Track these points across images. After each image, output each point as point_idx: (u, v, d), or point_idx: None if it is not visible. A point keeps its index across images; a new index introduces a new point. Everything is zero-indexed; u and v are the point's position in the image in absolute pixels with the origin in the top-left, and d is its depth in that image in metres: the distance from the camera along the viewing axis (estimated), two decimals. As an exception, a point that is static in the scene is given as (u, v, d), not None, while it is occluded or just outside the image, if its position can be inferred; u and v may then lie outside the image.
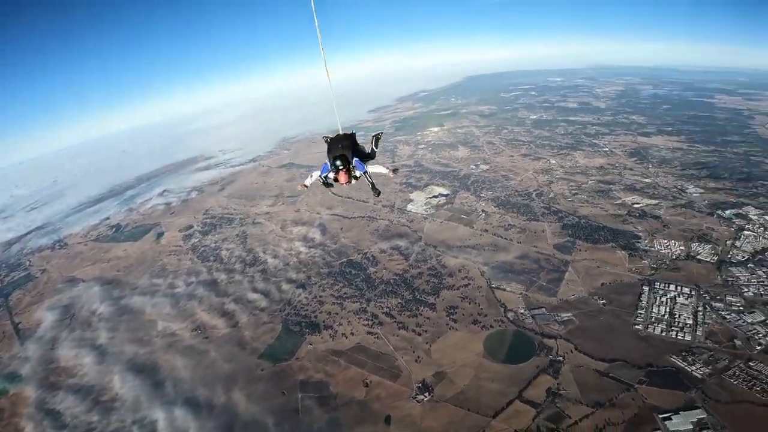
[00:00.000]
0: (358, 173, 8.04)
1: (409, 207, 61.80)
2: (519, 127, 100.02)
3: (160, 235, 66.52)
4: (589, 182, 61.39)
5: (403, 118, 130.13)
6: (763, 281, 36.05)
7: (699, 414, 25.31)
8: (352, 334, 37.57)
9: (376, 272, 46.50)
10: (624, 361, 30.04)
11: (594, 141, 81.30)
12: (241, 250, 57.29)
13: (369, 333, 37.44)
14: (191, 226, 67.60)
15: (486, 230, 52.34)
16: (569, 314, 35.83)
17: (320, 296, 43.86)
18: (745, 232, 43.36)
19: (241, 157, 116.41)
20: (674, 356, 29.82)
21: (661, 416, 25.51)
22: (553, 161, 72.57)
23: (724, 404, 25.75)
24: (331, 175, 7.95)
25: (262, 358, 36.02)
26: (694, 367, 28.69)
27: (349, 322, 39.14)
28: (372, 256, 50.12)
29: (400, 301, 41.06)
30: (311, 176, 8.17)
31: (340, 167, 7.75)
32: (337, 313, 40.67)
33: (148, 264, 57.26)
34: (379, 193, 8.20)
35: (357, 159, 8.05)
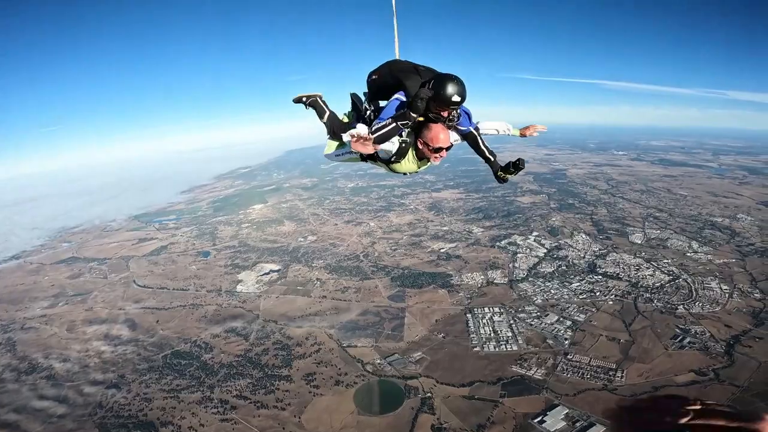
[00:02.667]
0: (455, 137, 4.87)
1: (239, 288, 57.77)
2: (339, 196, 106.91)
3: None
4: (404, 237, 69.48)
5: (222, 197, 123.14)
6: (543, 289, 47.07)
7: (562, 410, 30.03)
8: (202, 425, 32.37)
9: (212, 358, 41.82)
10: (480, 381, 34.10)
11: (402, 201, 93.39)
12: (10, 358, 43.75)
13: (224, 420, 32.89)
14: None
15: (324, 296, 53.05)
16: (419, 353, 39.08)
17: (144, 393, 36.97)
18: (518, 255, 56.23)
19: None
20: (514, 366, 35.46)
21: (536, 421, 29.36)
22: (372, 224, 79.54)
23: (573, 396, 31.28)
24: (403, 136, 4.55)
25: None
26: (532, 371, 34.59)
27: (193, 413, 33.70)
28: (204, 342, 44.66)
29: (250, 381, 37.65)
30: (348, 133, 4.40)
31: (452, 107, 4.28)
32: (174, 407, 34.54)
33: None
34: (514, 172, 4.92)
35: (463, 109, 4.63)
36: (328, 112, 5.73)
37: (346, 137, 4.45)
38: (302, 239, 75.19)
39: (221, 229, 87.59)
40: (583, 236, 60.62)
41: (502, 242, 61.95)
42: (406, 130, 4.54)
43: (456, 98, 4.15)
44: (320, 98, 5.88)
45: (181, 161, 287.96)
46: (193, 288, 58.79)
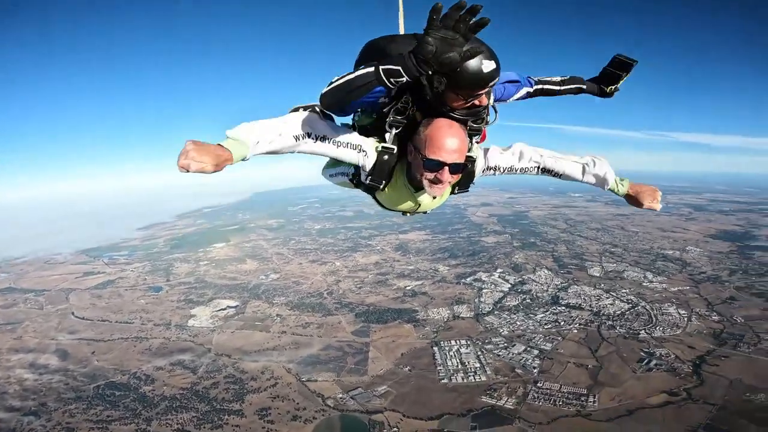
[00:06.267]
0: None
1: (191, 323, 54.06)
2: (306, 237, 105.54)
3: None
4: (369, 276, 68.38)
5: (182, 235, 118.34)
6: (508, 322, 46.89)
7: (538, 441, 28.53)
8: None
9: (153, 390, 38.32)
10: (449, 414, 32.38)
11: (368, 242, 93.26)
12: None
13: (162, 455, 28.62)
14: None
15: (284, 332, 50.39)
16: (384, 387, 37.18)
17: (68, 423, 33.78)
18: (484, 290, 56.49)
19: None
20: (483, 396, 34.05)
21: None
22: (338, 263, 78.18)
23: (547, 424, 30.01)
24: (388, 138, 2.60)
25: None
26: (503, 401, 33.29)
27: (124, 445, 29.59)
28: (145, 375, 41.07)
29: (195, 414, 34.51)
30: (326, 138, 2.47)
31: (482, 88, 2.20)
32: (101, 438, 30.46)
33: None
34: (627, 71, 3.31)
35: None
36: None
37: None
38: (264, 277, 72.51)
39: (177, 265, 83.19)
40: (545, 271, 62.01)
41: (468, 279, 61.95)
42: (393, 127, 2.52)
43: (488, 66, 2.13)
44: (318, 108, 4.54)
45: (140, 198, 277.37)
46: (139, 321, 54.66)
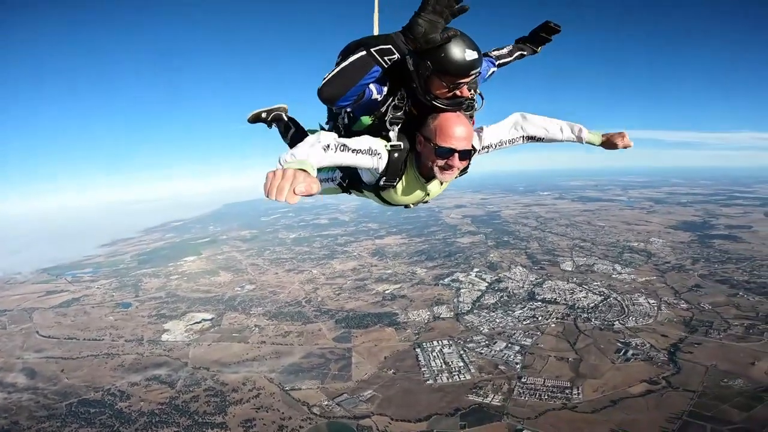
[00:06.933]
0: (490, 138, 3.15)
1: (165, 337, 52.07)
2: (281, 246, 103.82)
3: None
4: (348, 282, 67.98)
5: (150, 250, 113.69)
6: (488, 320, 47.54)
7: (529, 435, 28.81)
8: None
9: (130, 406, 36.99)
10: (437, 414, 32.31)
11: (345, 249, 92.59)
12: None
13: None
14: None
15: (263, 342, 49.21)
16: (370, 391, 36.82)
17: None
18: (462, 290, 57.16)
19: None
20: (470, 395, 34.16)
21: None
22: (315, 271, 77.27)
23: (535, 419, 30.26)
24: (393, 136, 2.64)
25: None
26: (489, 398, 33.51)
27: (104, 464, 28.10)
28: (119, 391, 39.58)
29: (176, 429, 33.61)
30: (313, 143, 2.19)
31: (466, 76, 2.37)
32: (78, 457, 28.74)
33: None
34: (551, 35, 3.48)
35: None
36: (293, 129, 4.14)
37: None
38: (239, 288, 70.42)
39: (146, 281, 79.65)
40: (520, 268, 63.40)
41: (446, 280, 62.56)
42: (395, 123, 2.63)
43: (471, 55, 2.28)
44: (285, 113, 4.27)
45: (102, 214, 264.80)
46: (109, 338, 52.36)
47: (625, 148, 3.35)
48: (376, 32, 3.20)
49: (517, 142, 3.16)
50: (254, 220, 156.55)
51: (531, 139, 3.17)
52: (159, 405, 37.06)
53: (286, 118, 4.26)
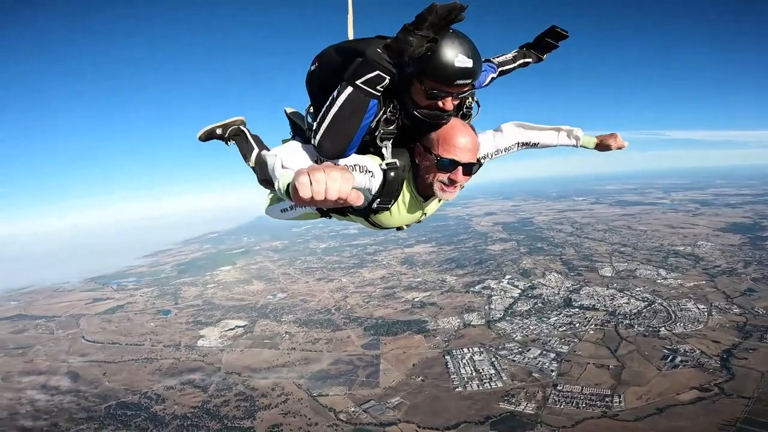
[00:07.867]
0: (493, 145, 2.95)
1: (201, 343, 53.95)
2: (311, 256, 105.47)
3: None
4: (377, 290, 67.97)
5: (188, 260, 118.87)
6: (521, 327, 46.02)
7: (563, 445, 27.58)
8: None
9: (164, 409, 38.32)
10: (466, 422, 31.41)
11: (374, 258, 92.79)
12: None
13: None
14: None
15: (293, 348, 49.88)
16: (397, 398, 36.41)
17: None
18: (493, 298, 55.61)
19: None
20: (501, 403, 33.06)
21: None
22: (345, 280, 77.70)
23: (572, 428, 29.04)
24: (386, 153, 2.29)
25: None
26: (522, 406, 32.26)
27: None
28: (156, 394, 41.06)
29: None
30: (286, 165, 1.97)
31: (458, 84, 1.99)
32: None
33: None
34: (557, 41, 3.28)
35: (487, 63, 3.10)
36: (256, 149, 3.48)
37: (281, 178, 1.84)
38: (271, 297, 72.17)
39: (185, 289, 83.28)
40: (555, 275, 61.04)
41: (476, 287, 61.10)
42: (387, 138, 2.28)
43: (462, 61, 1.92)
44: (244, 125, 3.70)
45: (142, 228, 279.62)
46: (149, 343, 54.94)
47: (618, 148, 3.32)
48: (350, 36, 2.87)
49: (512, 150, 3.03)
50: (286, 231, 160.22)
51: (526, 145, 3.09)
52: (191, 409, 38.26)
53: (246, 134, 3.64)
